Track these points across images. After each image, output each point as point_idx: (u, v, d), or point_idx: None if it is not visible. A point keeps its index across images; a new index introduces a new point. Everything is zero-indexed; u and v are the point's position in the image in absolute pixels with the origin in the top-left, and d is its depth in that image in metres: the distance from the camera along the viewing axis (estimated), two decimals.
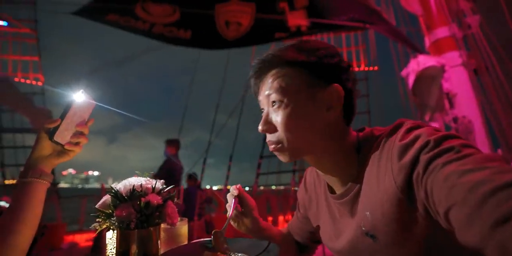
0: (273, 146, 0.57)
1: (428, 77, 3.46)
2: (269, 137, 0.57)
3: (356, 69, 6.36)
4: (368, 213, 0.50)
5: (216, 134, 7.04)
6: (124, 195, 0.56)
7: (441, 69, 3.42)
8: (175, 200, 0.63)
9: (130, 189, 0.57)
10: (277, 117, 0.55)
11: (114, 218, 0.55)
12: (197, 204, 3.94)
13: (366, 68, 6.39)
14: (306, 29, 4.07)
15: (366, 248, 0.53)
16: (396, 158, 0.46)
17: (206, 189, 6.01)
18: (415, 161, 0.43)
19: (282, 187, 6.92)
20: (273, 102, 0.55)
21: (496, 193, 0.32)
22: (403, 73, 3.73)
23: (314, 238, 0.77)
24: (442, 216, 0.39)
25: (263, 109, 0.59)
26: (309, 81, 0.54)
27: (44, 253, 3.43)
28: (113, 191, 0.56)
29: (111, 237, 0.60)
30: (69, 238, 3.54)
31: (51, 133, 0.62)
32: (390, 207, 0.46)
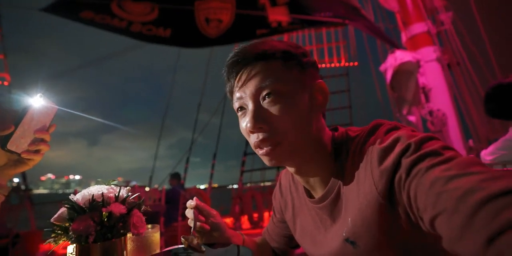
0: (268, 147, 0.49)
1: (405, 72, 3.56)
2: (262, 136, 0.50)
3: (337, 64, 6.46)
4: (349, 219, 0.49)
5: (199, 133, 6.97)
6: (82, 206, 0.52)
7: (417, 64, 3.52)
8: (144, 207, 0.59)
9: (89, 199, 0.53)
10: (275, 112, 0.49)
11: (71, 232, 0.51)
12: (180, 204, 3.88)
13: (347, 64, 6.51)
14: (287, 24, 4.07)
15: (346, 254, 0.51)
16: (376, 162, 0.45)
17: (190, 188, 5.95)
18: (396, 165, 0.42)
19: (269, 183, 6.96)
20: (268, 94, 0.49)
21: (487, 203, 0.31)
22: (381, 68, 3.82)
23: (292, 244, 0.75)
24: (427, 222, 0.38)
25: (241, 107, 0.53)
26: (299, 76, 0.52)
27: None
28: (70, 202, 0.52)
29: (71, 252, 0.55)
30: (46, 246, 3.39)
31: (3, 141, 0.55)
32: (371, 212, 0.45)
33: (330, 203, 0.53)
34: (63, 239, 0.52)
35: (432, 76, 3.47)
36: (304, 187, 0.61)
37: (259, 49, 0.51)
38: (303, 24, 4.17)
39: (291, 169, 0.56)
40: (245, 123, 0.52)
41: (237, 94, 0.53)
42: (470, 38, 3.59)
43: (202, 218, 0.64)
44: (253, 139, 0.51)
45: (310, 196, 0.60)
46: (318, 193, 0.56)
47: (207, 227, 0.63)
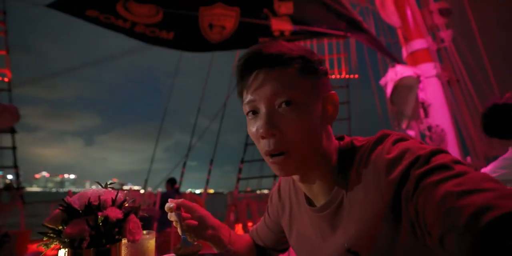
0: (280, 156, 0.48)
1: (405, 87, 3.60)
2: (273, 145, 0.48)
3: (338, 76, 6.51)
4: (352, 229, 0.48)
5: (198, 138, 6.95)
6: (78, 209, 0.50)
7: (417, 79, 3.56)
8: (141, 213, 0.58)
9: (85, 202, 0.51)
10: (290, 120, 0.47)
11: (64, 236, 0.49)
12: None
13: (347, 76, 6.56)
14: (289, 34, 4.12)
15: None
16: (384, 172, 0.44)
17: (185, 193, 5.89)
18: (404, 177, 0.42)
19: (266, 191, 6.91)
20: (284, 101, 0.47)
21: (502, 223, 0.31)
22: (382, 82, 3.85)
23: (279, 247, 0.74)
24: (436, 238, 0.37)
25: (252, 112, 0.51)
26: (315, 85, 0.50)
27: None
28: (64, 204, 0.51)
29: None
30: (34, 247, 3.33)
31: None
32: (376, 223, 0.45)
33: (332, 213, 0.52)
34: (55, 242, 0.50)
35: (432, 92, 3.50)
36: (305, 194, 0.59)
37: (276, 50, 0.49)
38: (305, 34, 4.22)
39: (295, 177, 0.55)
40: (255, 127, 0.50)
41: (249, 96, 0.50)
42: (469, 56, 3.64)
43: (188, 215, 0.63)
44: (263, 145, 0.49)
45: (310, 203, 0.58)
46: (319, 201, 0.55)
47: (195, 222, 0.62)
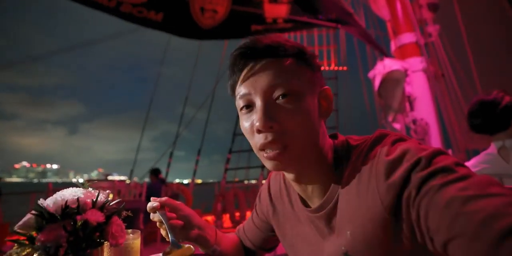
0: (276, 150, 0.46)
1: (393, 80, 3.65)
2: (271, 137, 0.46)
3: (327, 68, 6.53)
4: (348, 232, 0.47)
5: (184, 127, 6.86)
6: (53, 213, 0.46)
7: (405, 73, 3.62)
8: (124, 213, 0.54)
9: (62, 206, 0.46)
10: (289, 112, 0.46)
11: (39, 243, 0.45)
12: None
13: (336, 68, 6.59)
14: (282, 21, 4.05)
15: None
16: (382, 175, 0.43)
17: (172, 184, 5.84)
18: (405, 180, 0.40)
19: (254, 182, 6.96)
20: (282, 92, 0.46)
21: None
22: (370, 74, 3.89)
23: (267, 246, 0.74)
24: (439, 244, 0.36)
25: (246, 107, 0.49)
26: (311, 78, 0.49)
27: None
28: (38, 208, 0.46)
29: None
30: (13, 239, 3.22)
31: None
32: (374, 227, 0.44)
33: (328, 213, 0.51)
34: (27, 250, 0.46)
35: (418, 86, 3.57)
36: (299, 195, 0.58)
37: (271, 42, 0.48)
38: (296, 23, 4.16)
39: (289, 176, 0.53)
40: (250, 122, 0.48)
41: (243, 90, 0.48)
42: (454, 52, 3.72)
43: (173, 215, 0.60)
44: (258, 140, 0.47)
45: (304, 203, 0.57)
46: (314, 202, 0.54)
47: (180, 222, 0.59)
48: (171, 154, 6.46)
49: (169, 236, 0.57)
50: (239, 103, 0.50)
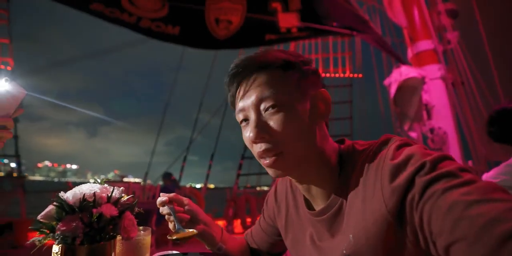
0: (272, 157, 0.49)
1: (410, 88, 3.57)
2: (265, 146, 0.50)
3: (342, 75, 6.47)
4: (351, 235, 0.47)
5: (198, 132, 6.97)
6: (72, 205, 0.50)
7: (422, 80, 3.53)
8: (136, 209, 0.58)
9: (80, 199, 0.51)
10: (277, 122, 0.49)
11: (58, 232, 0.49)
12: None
13: (351, 75, 6.52)
14: (297, 30, 4.08)
15: None
16: (387, 178, 0.43)
17: (185, 187, 5.93)
18: (409, 183, 0.41)
19: (266, 188, 6.93)
20: (268, 105, 0.49)
21: None
22: (386, 82, 3.83)
23: (274, 250, 0.74)
24: (441, 248, 0.37)
25: (244, 120, 0.53)
26: (300, 84, 0.51)
27: (9, 251, 3.24)
28: (59, 200, 0.51)
29: (57, 252, 0.55)
30: (34, 236, 3.35)
31: None
32: (377, 230, 0.44)
33: (331, 217, 0.52)
34: (48, 238, 0.50)
35: (436, 94, 3.47)
36: (304, 197, 0.59)
37: (259, 58, 0.52)
38: (311, 31, 4.18)
39: (293, 179, 0.55)
40: (248, 133, 0.52)
41: (239, 105, 0.53)
42: (474, 59, 3.60)
43: (180, 209, 0.64)
44: (256, 149, 0.51)
45: (309, 206, 0.58)
46: (318, 204, 0.55)
47: (187, 216, 0.64)
48: (184, 158, 6.57)
49: (176, 226, 0.61)
50: (239, 117, 0.54)
